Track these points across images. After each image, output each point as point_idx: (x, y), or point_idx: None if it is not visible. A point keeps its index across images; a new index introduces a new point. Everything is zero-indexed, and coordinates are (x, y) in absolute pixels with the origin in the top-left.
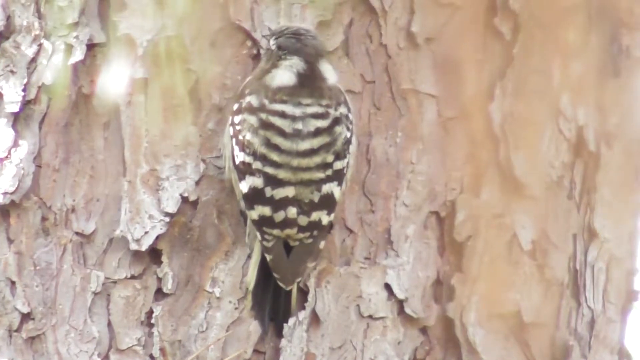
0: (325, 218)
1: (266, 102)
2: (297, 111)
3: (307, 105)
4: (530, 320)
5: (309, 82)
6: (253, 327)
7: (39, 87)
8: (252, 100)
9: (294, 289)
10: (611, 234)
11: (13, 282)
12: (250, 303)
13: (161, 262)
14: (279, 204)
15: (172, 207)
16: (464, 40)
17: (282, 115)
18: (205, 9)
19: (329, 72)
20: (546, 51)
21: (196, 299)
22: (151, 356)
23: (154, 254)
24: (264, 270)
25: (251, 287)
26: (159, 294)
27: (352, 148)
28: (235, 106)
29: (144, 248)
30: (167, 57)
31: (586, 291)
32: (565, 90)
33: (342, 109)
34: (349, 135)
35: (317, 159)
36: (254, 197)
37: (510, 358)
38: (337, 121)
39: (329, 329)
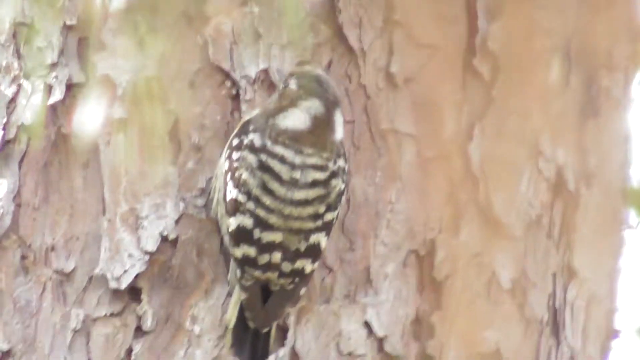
0: (309, 267)
1: (268, 143)
2: (298, 160)
3: (309, 155)
4: (509, 358)
5: (320, 130)
6: None
7: (18, 127)
8: (254, 139)
9: (273, 328)
10: (591, 273)
11: None
12: (230, 342)
13: (141, 300)
14: (265, 247)
15: (151, 246)
16: (443, 80)
17: (282, 160)
18: (184, 49)
19: (339, 126)
20: (525, 92)
21: (176, 337)
22: None
23: (133, 292)
24: (242, 312)
25: (231, 325)
26: (139, 331)
27: (343, 199)
28: (236, 141)
29: (123, 286)
30: (147, 97)
31: (566, 329)
32: (544, 130)
33: (341, 162)
34: (342, 187)
35: (309, 210)
36: (241, 236)
37: None
38: (334, 174)
39: None
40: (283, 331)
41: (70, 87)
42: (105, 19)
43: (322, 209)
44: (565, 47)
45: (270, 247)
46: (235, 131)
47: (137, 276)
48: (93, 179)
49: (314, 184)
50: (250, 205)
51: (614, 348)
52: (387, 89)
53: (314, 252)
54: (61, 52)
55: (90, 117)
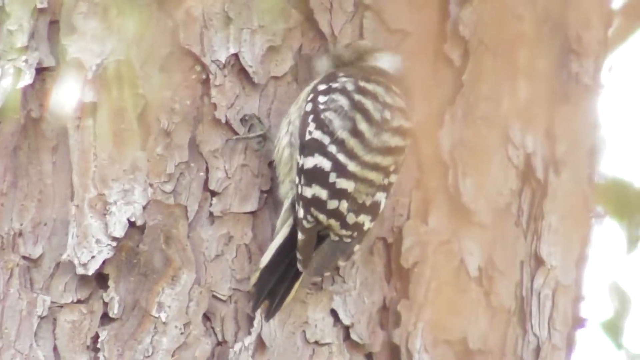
0: (368, 224)
1: (362, 83)
2: (388, 98)
3: (397, 94)
4: (476, 347)
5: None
6: (199, 352)
7: None
8: (347, 83)
9: (297, 283)
10: (558, 261)
11: None
12: (255, 280)
13: (108, 287)
14: (337, 193)
15: (119, 232)
16: (414, 66)
17: (375, 98)
18: (154, 33)
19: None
20: (496, 78)
21: (142, 324)
22: None
23: (100, 279)
24: (277, 254)
25: (263, 265)
26: (105, 318)
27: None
28: (322, 87)
29: (90, 272)
30: (116, 81)
31: (532, 318)
32: (514, 117)
33: (411, 127)
34: (404, 159)
35: (387, 161)
36: (316, 176)
37: None
38: (410, 133)
39: (274, 355)
40: (249, 319)
41: (40, 71)
42: (76, 2)
43: (392, 167)
44: (536, 33)
45: (341, 194)
46: (318, 80)
47: (104, 262)
48: (62, 163)
49: (399, 131)
50: (333, 147)
51: (579, 340)
52: None
53: (375, 210)
54: (32, 36)
55: (60, 101)
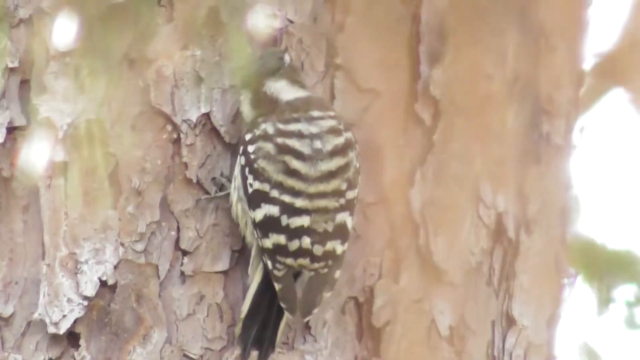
0: (339, 247)
1: (280, 126)
2: (313, 128)
3: (320, 118)
4: None
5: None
6: None
7: None
8: (267, 127)
9: (283, 321)
10: (529, 321)
11: None
12: (239, 331)
13: (79, 346)
14: (294, 233)
15: (90, 291)
16: (385, 125)
17: (300, 135)
18: (125, 93)
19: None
20: (467, 137)
21: None
22: None
23: (72, 338)
24: (256, 301)
25: (243, 315)
26: None
27: (360, 182)
28: (248, 136)
29: (62, 331)
30: (87, 141)
31: None
32: (485, 176)
33: (350, 134)
34: (357, 165)
35: (333, 184)
36: (269, 225)
37: None
38: (349, 143)
39: None
40: None
41: (11, 130)
42: (47, 62)
43: (343, 185)
44: (507, 93)
45: (299, 232)
46: (245, 129)
47: (75, 321)
48: (33, 222)
49: (334, 152)
50: (275, 192)
51: None
52: None
53: (342, 232)
54: (2, 95)
55: (30, 160)
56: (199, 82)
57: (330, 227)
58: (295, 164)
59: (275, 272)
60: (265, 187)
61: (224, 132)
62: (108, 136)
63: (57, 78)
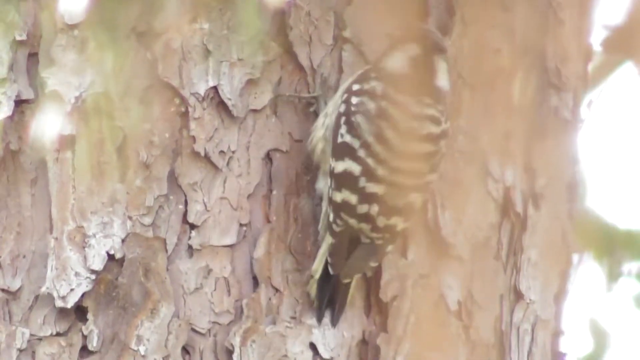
0: (401, 225)
1: (390, 91)
2: (417, 109)
3: (427, 105)
4: None
5: (419, 74)
6: None
7: None
8: (376, 86)
9: (353, 281)
10: (537, 295)
11: None
12: (314, 291)
13: (87, 320)
14: (367, 197)
15: (98, 265)
16: None
17: (403, 108)
18: (133, 66)
19: (443, 72)
20: (475, 111)
21: (121, 357)
22: None
23: (79, 312)
24: (327, 262)
25: (317, 275)
26: (84, 351)
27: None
28: (356, 87)
29: (69, 305)
30: (95, 114)
31: (511, 352)
32: (493, 150)
33: (448, 125)
34: (444, 151)
35: (416, 166)
36: (346, 181)
37: None
38: (444, 134)
39: None
40: (228, 352)
41: (19, 103)
42: (55, 35)
43: (425, 168)
44: (515, 67)
45: (371, 198)
46: (355, 77)
47: (83, 295)
48: (41, 196)
49: (428, 138)
50: (362, 152)
51: None
52: None
53: (409, 210)
54: (10, 68)
55: (38, 134)
56: (207, 55)
57: (400, 203)
58: (389, 133)
59: (334, 226)
60: (355, 143)
61: (232, 106)
62: (116, 109)
63: (65, 51)
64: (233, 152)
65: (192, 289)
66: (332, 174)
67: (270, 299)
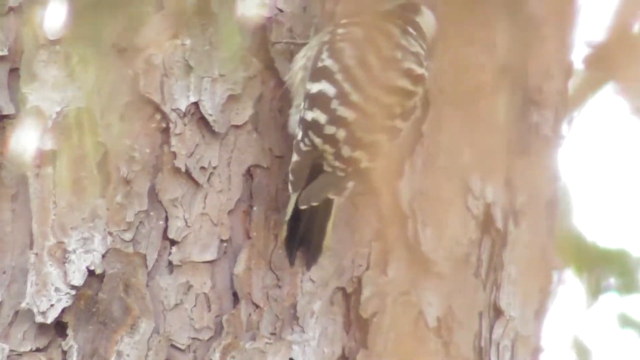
0: (365, 162)
1: (379, 23)
2: (404, 41)
3: (413, 37)
4: None
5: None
6: None
7: None
8: (365, 18)
9: (330, 221)
10: (516, 312)
11: None
12: (285, 233)
13: (66, 335)
14: (336, 120)
15: (78, 280)
16: None
17: (389, 35)
18: (115, 81)
19: (429, 17)
20: (456, 128)
21: None
22: None
23: (59, 327)
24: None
25: (288, 216)
26: None
27: (414, 117)
28: (344, 20)
29: (49, 321)
30: (76, 129)
31: None
32: (474, 167)
33: (427, 73)
34: (419, 104)
35: (390, 101)
36: (319, 100)
37: None
38: (422, 78)
39: None
40: None
41: (0, 119)
42: (37, 50)
43: (398, 110)
44: (496, 84)
45: (340, 122)
46: (346, 19)
47: (63, 311)
48: (22, 211)
49: (407, 73)
50: (340, 75)
51: None
52: None
53: (373, 149)
54: None
55: (19, 149)
56: (189, 71)
57: (366, 138)
58: (372, 59)
59: (301, 145)
60: (334, 66)
61: (213, 122)
62: (97, 125)
63: (46, 66)
64: (214, 168)
65: (172, 305)
66: (307, 95)
67: (250, 314)
